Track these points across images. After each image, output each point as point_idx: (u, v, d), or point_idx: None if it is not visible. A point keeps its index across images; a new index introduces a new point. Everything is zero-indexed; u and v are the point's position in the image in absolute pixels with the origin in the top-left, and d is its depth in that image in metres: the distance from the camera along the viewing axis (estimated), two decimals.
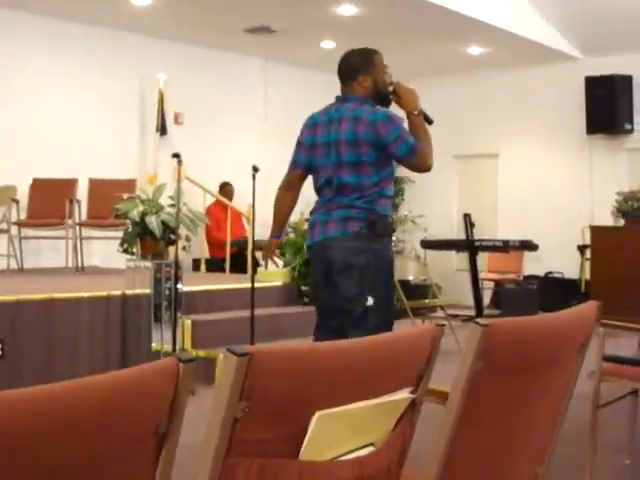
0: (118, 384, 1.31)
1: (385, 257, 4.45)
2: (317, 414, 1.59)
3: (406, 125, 4.49)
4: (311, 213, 4.64)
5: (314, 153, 4.57)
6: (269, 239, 4.95)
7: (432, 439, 2.04)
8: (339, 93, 4.62)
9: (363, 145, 4.35)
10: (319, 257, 4.50)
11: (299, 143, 4.68)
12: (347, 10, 9.86)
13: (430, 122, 4.62)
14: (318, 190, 4.61)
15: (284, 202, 4.81)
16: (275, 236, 4.89)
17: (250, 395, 1.48)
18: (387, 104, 4.63)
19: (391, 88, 4.59)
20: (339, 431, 1.69)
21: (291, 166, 4.76)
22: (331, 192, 4.46)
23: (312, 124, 4.61)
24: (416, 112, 4.52)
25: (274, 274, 8.48)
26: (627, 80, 11.56)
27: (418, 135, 4.43)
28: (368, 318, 4.34)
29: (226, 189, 11.39)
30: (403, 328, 1.92)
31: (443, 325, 1.97)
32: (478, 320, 1.98)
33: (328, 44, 11.64)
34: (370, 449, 1.78)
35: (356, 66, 4.56)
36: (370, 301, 4.34)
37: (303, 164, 4.67)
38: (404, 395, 1.86)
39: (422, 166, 4.49)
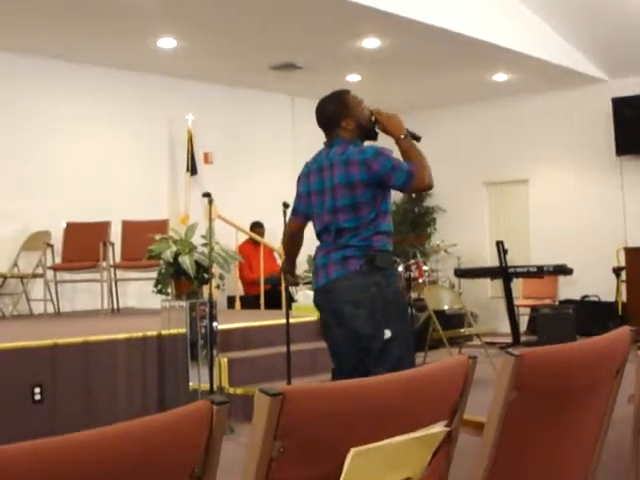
0: (153, 429, 1.32)
1: (392, 290, 4.38)
2: (353, 450, 1.59)
3: (396, 153, 4.45)
4: (313, 259, 4.63)
5: (310, 201, 4.56)
6: (284, 275, 5.09)
7: (469, 470, 2.03)
8: None
9: (358, 186, 4.30)
10: (324, 301, 4.47)
11: (297, 193, 4.70)
12: (371, 43, 9.91)
13: (418, 139, 4.58)
14: (318, 236, 4.60)
15: (291, 251, 4.94)
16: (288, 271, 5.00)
17: (284, 434, 1.48)
18: (374, 137, 4.59)
19: (373, 119, 4.54)
20: (375, 467, 1.69)
21: (291, 215, 4.80)
22: (330, 237, 4.44)
23: (306, 173, 4.61)
24: (403, 136, 4.45)
25: (308, 309, 8.47)
26: None
27: (411, 157, 4.37)
28: (390, 351, 4.27)
29: (256, 230, 11.36)
30: (437, 361, 1.92)
31: (475, 357, 1.97)
32: (510, 350, 1.98)
33: (353, 77, 11.69)
34: None
35: (335, 112, 4.52)
36: (388, 334, 4.26)
37: (302, 213, 4.68)
38: (439, 428, 1.86)
39: (423, 186, 4.41)
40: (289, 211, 6.91)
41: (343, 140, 4.45)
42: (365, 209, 4.32)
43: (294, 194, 4.75)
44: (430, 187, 4.45)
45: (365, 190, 4.30)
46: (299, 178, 4.69)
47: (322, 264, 4.44)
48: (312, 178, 4.54)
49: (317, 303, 4.56)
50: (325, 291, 4.43)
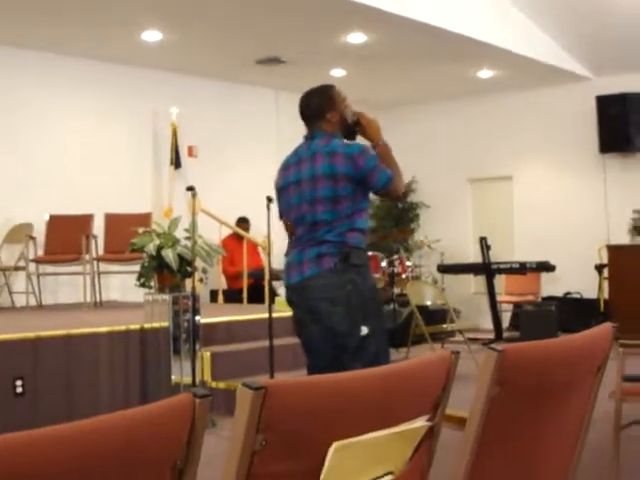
0: (134, 422, 1.32)
1: (367, 287, 4.38)
2: (334, 444, 1.60)
3: None
4: (286, 254, 4.57)
5: (287, 194, 4.53)
6: None
7: (451, 465, 2.04)
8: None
9: (341, 179, 4.28)
10: (298, 298, 4.44)
11: (276, 190, 4.66)
12: (356, 38, 9.91)
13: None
14: (293, 226, 4.55)
15: None
16: None
17: (267, 428, 1.49)
18: (353, 136, 4.60)
19: (355, 119, 4.56)
20: (357, 461, 1.69)
21: (280, 216, 4.71)
22: (304, 229, 4.40)
23: (284, 167, 4.59)
24: (381, 142, 4.48)
25: None
26: (638, 98, 11.56)
27: (389, 164, 4.39)
28: (366, 348, 4.27)
29: (242, 225, 11.34)
30: (419, 356, 1.93)
31: (458, 352, 1.98)
32: (493, 346, 1.98)
33: (338, 72, 11.69)
34: (389, 478, 1.78)
35: (320, 105, 4.54)
36: (364, 330, 4.25)
37: (284, 207, 4.63)
38: (421, 423, 1.87)
39: (397, 192, 4.46)
40: (273, 206, 6.95)
41: (326, 133, 4.45)
42: (344, 203, 4.30)
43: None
44: (401, 195, 4.52)
45: (347, 184, 4.28)
46: (278, 173, 4.64)
47: (296, 261, 4.40)
48: (290, 171, 4.51)
49: (290, 300, 4.51)
50: (299, 288, 4.39)
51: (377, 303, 4.54)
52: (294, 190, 4.47)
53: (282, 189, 4.58)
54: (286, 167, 4.57)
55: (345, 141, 4.51)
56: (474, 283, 12.92)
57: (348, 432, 1.61)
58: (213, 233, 9.58)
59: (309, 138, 4.53)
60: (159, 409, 1.38)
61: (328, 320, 4.30)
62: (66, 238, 9.62)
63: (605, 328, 2.39)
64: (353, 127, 4.55)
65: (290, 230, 4.60)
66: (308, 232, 4.38)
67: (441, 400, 1.94)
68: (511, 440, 2.18)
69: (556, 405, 2.26)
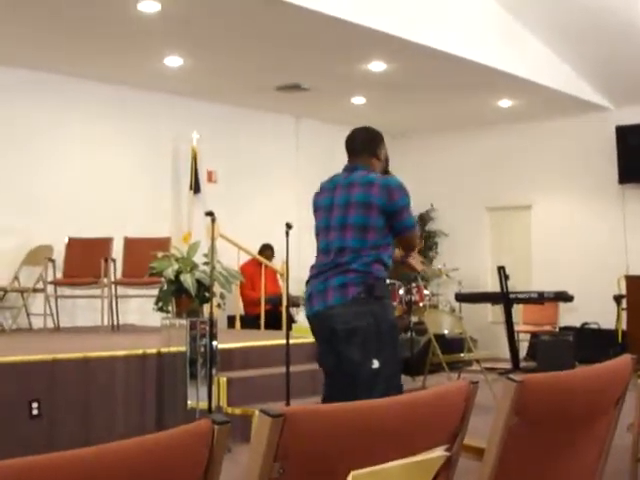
0: (153, 447, 1.32)
1: (386, 319, 4.42)
2: (352, 473, 1.59)
3: None
4: (307, 282, 4.61)
5: (317, 217, 4.64)
6: None
7: None
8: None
9: (374, 209, 4.36)
10: (320, 326, 4.49)
11: (314, 214, 4.73)
12: (377, 66, 9.93)
13: None
14: (317, 253, 4.63)
15: None
16: None
17: (285, 456, 1.48)
18: None
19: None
20: None
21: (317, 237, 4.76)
22: (328, 256, 4.46)
23: (319, 191, 4.70)
24: None
25: (309, 330, 8.46)
26: None
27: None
28: (376, 381, 4.30)
29: (266, 253, 11.30)
30: (436, 385, 1.92)
31: (477, 382, 1.97)
32: (511, 376, 1.98)
33: (359, 100, 11.72)
34: None
35: (373, 141, 4.68)
36: (376, 364, 4.30)
37: (315, 232, 4.71)
38: (439, 453, 1.86)
39: (412, 243, 4.63)
40: (291, 232, 6.96)
41: (367, 168, 4.55)
42: (373, 233, 4.36)
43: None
44: (414, 249, 4.68)
45: (379, 215, 4.36)
46: (313, 198, 4.74)
47: (319, 290, 4.44)
48: (323, 195, 4.61)
49: (314, 328, 4.57)
50: (322, 316, 4.44)
51: (394, 339, 4.54)
52: (323, 214, 4.56)
53: (314, 212, 4.68)
54: (321, 191, 4.68)
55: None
56: (491, 312, 12.86)
57: (366, 461, 1.61)
58: (232, 258, 9.58)
59: (350, 169, 4.61)
60: (178, 435, 1.38)
61: (345, 349, 4.33)
62: (85, 261, 9.64)
63: (625, 360, 2.38)
64: (388, 171, 4.72)
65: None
66: (333, 259, 4.42)
67: (459, 430, 1.94)
68: (529, 471, 2.17)
69: (574, 437, 2.25)
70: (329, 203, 4.53)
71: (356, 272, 4.33)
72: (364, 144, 4.66)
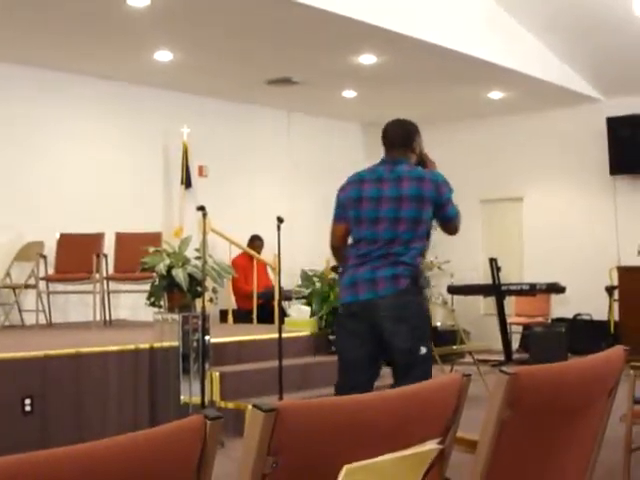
0: (145, 443, 1.32)
1: (427, 308, 4.78)
2: (345, 467, 1.59)
3: None
4: (344, 269, 4.75)
5: (359, 206, 4.69)
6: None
7: None
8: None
9: (426, 202, 4.60)
10: (366, 314, 4.59)
11: (341, 199, 4.81)
12: (367, 59, 9.92)
13: None
14: (355, 242, 4.72)
15: (342, 256, 4.95)
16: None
17: (278, 450, 1.48)
18: None
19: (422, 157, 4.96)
20: None
21: (336, 223, 4.86)
22: (374, 246, 4.59)
23: (358, 180, 4.76)
24: None
25: (301, 324, 8.47)
26: None
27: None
28: (427, 365, 4.61)
29: (255, 243, 11.32)
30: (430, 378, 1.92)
31: (469, 375, 1.97)
32: (504, 368, 1.98)
33: (349, 93, 11.71)
34: None
35: (412, 134, 4.88)
36: (423, 350, 4.56)
37: (350, 217, 4.75)
38: (432, 446, 1.86)
39: (456, 229, 4.88)
40: (283, 225, 6.96)
41: (408, 162, 4.78)
42: (423, 226, 4.64)
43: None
44: (455, 233, 4.92)
45: (429, 208, 4.63)
46: (345, 185, 4.83)
47: (367, 279, 4.58)
48: (366, 185, 4.71)
49: (354, 315, 4.66)
50: (370, 305, 4.57)
51: (429, 326, 4.96)
52: (369, 205, 4.66)
53: (353, 200, 4.73)
54: (360, 181, 4.76)
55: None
56: (484, 304, 12.87)
57: (359, 455, 1.61)
58: (223, 253, 9.58)
59: (390, 162, 4.76)
60: (170, 431, 1.37)
61: (391, 337, 4.54)
62: (76, 257, 9.62)
63: (617, 351, 2.38)
64: (422, 164, 4.93)
65: (339, 235, 4.82)
66: (380, 248, 4.58)
67: (452, 423, 1.94)
68: (522, 463, 2.17)
69: (567, 428, 2.25)
70: (377, 195, 4.66)
71: (405, 265, 4.56)
72: (405, 135, 4.87)
